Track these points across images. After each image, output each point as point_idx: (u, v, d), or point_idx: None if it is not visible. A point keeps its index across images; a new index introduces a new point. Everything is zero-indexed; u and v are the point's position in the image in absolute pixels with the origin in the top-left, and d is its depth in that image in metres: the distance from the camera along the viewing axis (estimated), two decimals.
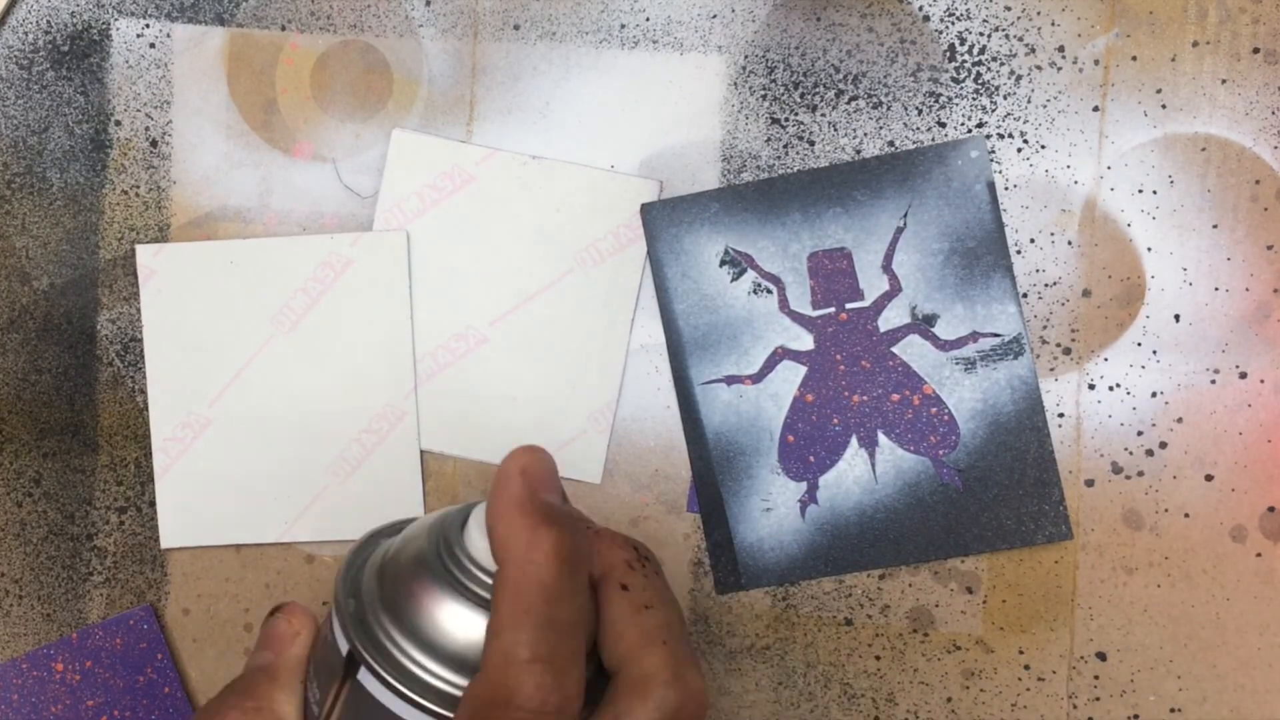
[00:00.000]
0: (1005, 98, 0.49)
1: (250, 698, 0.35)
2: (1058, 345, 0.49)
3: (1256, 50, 0.49)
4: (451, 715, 0.31)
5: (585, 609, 0.32)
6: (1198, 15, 0.49)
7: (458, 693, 0.31)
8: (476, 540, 0.32)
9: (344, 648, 0.33)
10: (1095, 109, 0.49)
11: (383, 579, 0.33)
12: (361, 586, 0.34)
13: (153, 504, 0.51)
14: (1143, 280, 0.49)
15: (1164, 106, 0.49)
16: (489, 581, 0.32)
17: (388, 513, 0.50)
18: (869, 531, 0.49)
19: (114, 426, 0.51)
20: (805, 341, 0.49)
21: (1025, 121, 0.49)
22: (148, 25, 0.50)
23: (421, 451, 0.50)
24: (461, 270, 0.50)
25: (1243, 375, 0.49)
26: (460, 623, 0.32)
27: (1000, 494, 0.49)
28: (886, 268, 0.49)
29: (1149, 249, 0.49)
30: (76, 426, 0.51)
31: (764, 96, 0.49)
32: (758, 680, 0.50)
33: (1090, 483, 0.49)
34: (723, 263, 0.49)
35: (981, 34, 0.49)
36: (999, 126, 0.49)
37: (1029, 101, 0.49)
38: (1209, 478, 0.49)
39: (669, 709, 0.31)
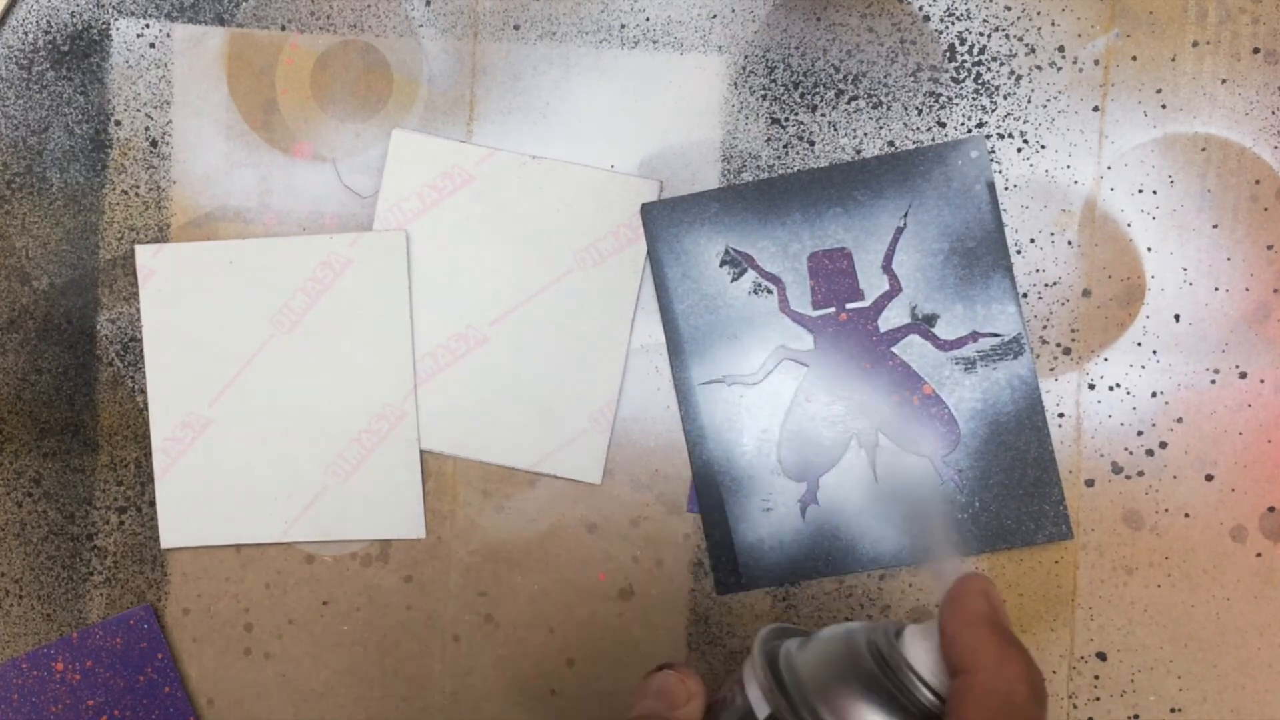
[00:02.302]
0: (1005, 98, 0.49)
1: None
2: (1058, 345, 0.49)
3: (1256, 50, 0.49)
4: None
5: None
6: (1198, 15, 0.49)
7: None
8: (918, 652, 0.33)
9: (763, 713, 0.34)
10: (1095, 109, 0.49)
11: (809, 667, 0.34)
12: (779, 663, 0.34)
13: (153, 504, 0.51)
14: (1143, 280, 0.49)
15: (1164, 106, 0.49)
16: (930, 697, 0.32)
17: (388, 513, 0.50)
18: (869, 531, 0.49)
19: (114, 426, 0.51)
20: (805, 341, 0.49)
21: (1025, 121, 0.49)
22: (148, 25, 0.50)
23: (421, 451, 0.50)
24: (461, 270, 0.50)
25: (1243, 375, 0.49)
26: None
27: (1000, 494, 0.49)
28: (886, 268, 0.49)
29: (1149, 249, 0.49)
30: (76, 426, 0.51)
31: (764, 96, 0.49)
32: None
33: (1090, 483, 0.49)
34: (723, 263, 0.49)
35: (981, 34, 0.49)
36: (999, 126, 0.49)
37: (1029, 101, 0.49)
38: (1209, 478, 0.49)
39: None
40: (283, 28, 0.50)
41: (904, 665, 0.32)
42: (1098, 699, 0.49)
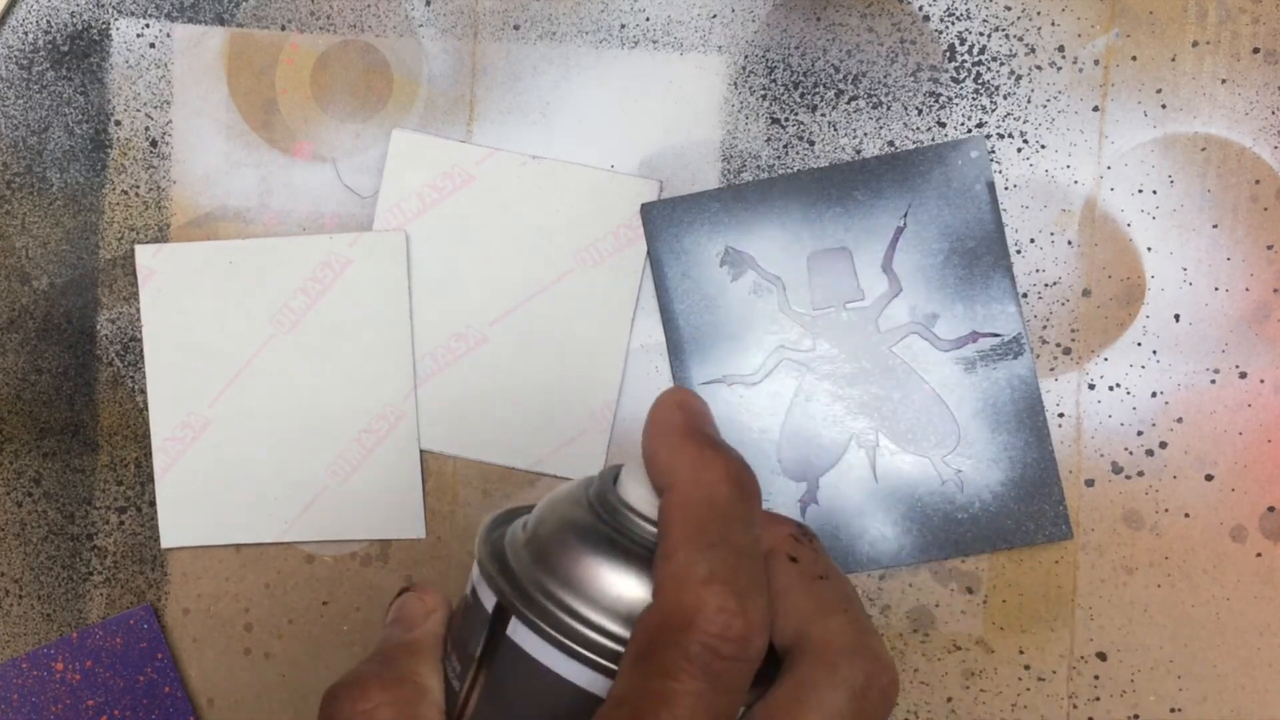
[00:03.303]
0: (1005, 98, 0.49)
1: (392, 669, 0.33)
2: (1058, 345, 0.49)
3: (1256, 50, 0.49)
4: (614, 667, 0.29)
5: (760, 542, 0.29)
6: (1198, 15, 0.49)
7: (620, 647, 0.29)
8: (632, 488, 0.31)
9: (490, 603, 0.31)
10: (1095, 109, 0.49)
11: (530, 541, 0.32)
12: (506, 549, 0.32)
13: (153, 504, 0.51)
14: (1143, 280, 0.49)
15: (1164, 106, 0.49)
16: (651, 530, 0.30)
17: (388, 513, 0.50)
18: (869, 532, 0.49)
19: (114, 426, 0.51)
20: (805, 341, 0.49)
21: (1025, 121, 0.49)
22: (148, 25, 0.50)
23: (421, 451, 0.50)
24: (461, 270, 0.50)
25: (1243, 375, 0.49)
26: (621, 573, 0.30)
27: (1000, 494, 0.49)
28: (886, 268, 0.49)
29: (1149, 249, 0.49)
30: (76, 426, 0.51)
31: (764, 96, 0.49)
32: None
33: (1090, 483, 0.49)
34: (723, 263, 0.49)
35: (981, 34, 0.49)
36: (999, 126, 0.49)
37: (1029, 101, 0.49)
38: (1209, 478, 0.49)
39: (858, 679, 0.28)
40: (283, 28, 0.50)
41: (621, 505, 0.31)
42: (1098, 699, 0.49)
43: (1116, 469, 0.49)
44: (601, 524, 0.31)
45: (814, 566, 0.30)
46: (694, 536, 0.28)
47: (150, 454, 0.50)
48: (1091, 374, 0.49)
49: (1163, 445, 0.49)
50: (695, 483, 0.29)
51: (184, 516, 0.50)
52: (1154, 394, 0.49)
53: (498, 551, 0.32)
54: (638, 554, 0.30)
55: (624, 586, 0.30)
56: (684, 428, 0.30)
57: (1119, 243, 0.49)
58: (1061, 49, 0.49)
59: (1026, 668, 0.49)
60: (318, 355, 0.50)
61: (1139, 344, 0.49)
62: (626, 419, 0.50)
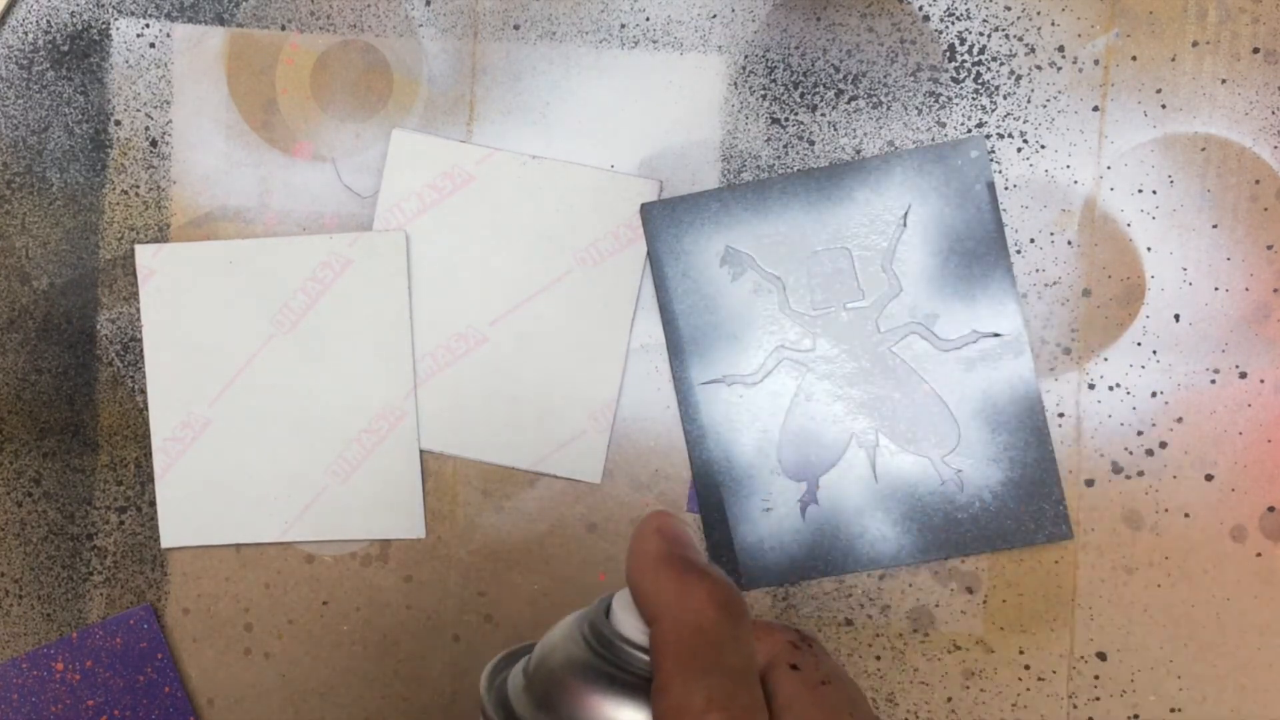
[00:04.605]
0: (1005, 98, 0.49)
1: None
2: (1058, 345, 0.49)
3: (1256, 50, 0.49)
4: None
5: (754, 660, 0.29)
6: (1198, 15, 0.49)
7: None
8: (624, 619, 0.31)
9: None
10: (1095, 109, 0.49)
11: (531, 684, 0.32)
12: (509, 695, 0.32)
13: (153, 504, 0.51)
14: (1143, 280, 0.49)
15: (1164, 106, 0.49)
16: (647, 659, 0.30)
17: (388, 512, 0.50)
18: (869, 532, 0.49)
19: (114, 426, 0.51)
20: (805, 341, 0.49)
21: (1025, 121, 0.49)
22: (148, 25, 0.50)
23: (421, 451, 0.50)
24: (461, 270, 0.50)
25: (1243, 375, 0.49)
26: (623, 708, 0.30)
27: (1000, 494, 0.49)
28: (886, 268, 0.49)
29: (1149, 249, 0.49)
30: (76, 426, 0.51)
31: (764, 96, 0.49)
32: None
33: (1090, 483, 0.49)
34: (723, 263, 0.49)
35: (981, 34, 0.49)
36: (999, 126, 0.49)
37: (1029, 101, 0.49)
38: (1209, 478, 0.49)
39: None
40: (283, 28, 0.50)
41: (615, 638, 0.31)
42: (1098, 699, 0.49)
43: (1116, 469, 0.49)
44: (598, 659, 0.31)
45: (816, 672, 0.30)
46: (686, 666, 0.28)
47: (150, 454, 0.50)
48: (1091, 374, 0.49)
49: (1163, 445, 0.49)
50: (681, 610, 0.29)
51: (184, 516, 0.50)
52: (1154, 394, 0.49)
53: (502, 699, 0.33)
54: (637, 686, 0.30)
55: None
56: (664, 555, 0.30)
57: (1119, 243, 0.49)
58: (1061, 49, 0.49)
59: (1026, 668, 0.49)
60: (318, 355, 0.50)
61: (1139, 344, 0.49)
62: (626, 419, 0.50)
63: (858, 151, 0.49)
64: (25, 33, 0.50)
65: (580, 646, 0.31)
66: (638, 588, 0.30)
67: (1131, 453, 0.49)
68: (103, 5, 0.50)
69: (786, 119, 0.49)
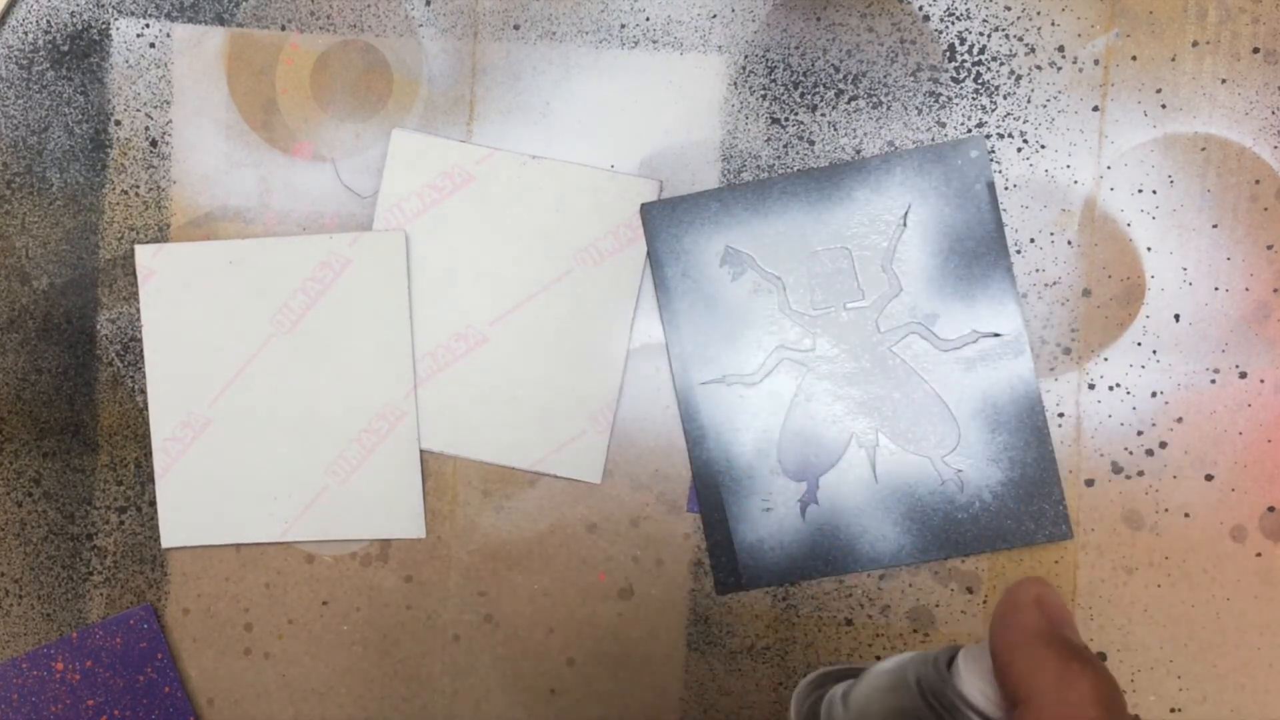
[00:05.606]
0: (1005, 98, 0.49)
1: None
2: (1058, 345, 0.49)
3: (1256, 50, 0.49)
4: None
5: None
6: (1198, 15, 0.49)
7: None
8: (972, 683, 0.29)
9: None
10: (1095, 109, 0.49)
11: (852, 714, 0.31)
12: (822, 718, 0.32)
13: (153, 504, 0.51)
14: (1143, 280, 0.49)
15: (1164, 106, 0.49)
16: None
17: (388, 512, 0.50)
18: (869, 532, 0.49)
19: (114, 426, 0.51)
20: (805, 341, 0.49)
21: (1025, 121, 0.49)
22: (148, 25, 0.50)
23: (421, 451, 0.50)
24: (461, 270, 0.50)
25: (1243, 375, 0.49)
26: None
27: (1000, 494, 0.49)
28: (886, 267, 0.49)
29: (1149, 249, 0.49)
30: (76, 426, 0.51)
31: (764, 96, 0.49)
32: (758, 680, 0.50)
33: (1090, 483, 0.49)
34: (723, 263, 0.49)
35: (981, 34, 0.49)
36: (999, 126, 0.49)
37: (1029, 101, 0.49)
38: (1209, 478, 0.49)
39: None
40: (283, 28, 0.50)
41: (959, 702, 0.29)
42: None
43: (1116, 469, 0.49)
44: (932, 715, 0.29)
45: None
46: None
47: (150, 454, 0.50)
48: (1091, 374, 0.49)
49: (1163, 445, 0.49)
50: (1059, 703, 0.26)
51: (184, 516, 0.50)
52: (1154, 394, 0.49)
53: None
54: None
55: None
56: (1044, 634, 0.28)
57: (1119, 243, 0.49)
58: (1061, 49, 0.49)
59: None
60: (317, 355, 0.50)
61: (1139, 344, 0.49)
62: (626, 419, 0.50)
63: (858, 151, 0.49)
64: (25, 33, 0.50)
65: (912, 698, 0.30)
66: (1009, 663, 0.28)
67: (1131, 453, 0.49)
68: (103, 5, 0.50)
69: (786, 119, 0.49)
